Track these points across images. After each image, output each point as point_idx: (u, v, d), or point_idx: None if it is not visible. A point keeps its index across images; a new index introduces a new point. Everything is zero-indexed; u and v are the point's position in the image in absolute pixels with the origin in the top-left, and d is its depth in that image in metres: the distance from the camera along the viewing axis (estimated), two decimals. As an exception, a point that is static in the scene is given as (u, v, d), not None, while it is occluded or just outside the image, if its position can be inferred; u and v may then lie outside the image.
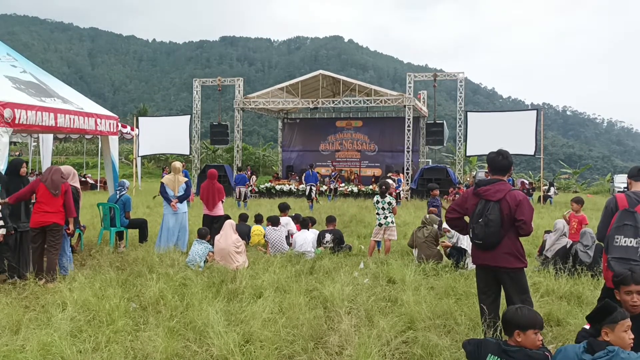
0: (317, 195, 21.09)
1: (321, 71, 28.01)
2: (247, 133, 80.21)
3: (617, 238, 4.57)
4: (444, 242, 9.17)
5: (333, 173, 26.80)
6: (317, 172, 21.52)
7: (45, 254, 7.40)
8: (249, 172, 23.51)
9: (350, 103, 26.84)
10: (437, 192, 11.87)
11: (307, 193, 20.06)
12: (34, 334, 5.02)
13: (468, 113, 23.86)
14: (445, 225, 8.82)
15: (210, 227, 10.00)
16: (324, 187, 25.11)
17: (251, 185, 23.35)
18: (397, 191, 20.42)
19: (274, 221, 9.97)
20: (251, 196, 22.84)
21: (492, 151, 5.15)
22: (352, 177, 28.53)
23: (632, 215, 4.57)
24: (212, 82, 28.75)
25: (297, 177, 27.62)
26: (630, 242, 4.51)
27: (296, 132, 32.06)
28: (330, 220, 10.46)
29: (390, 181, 14.69)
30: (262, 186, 26.20)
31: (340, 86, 28.07)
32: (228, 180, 25.31)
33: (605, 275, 4.72)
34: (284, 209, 11.12)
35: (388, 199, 9.63)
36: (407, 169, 25.59)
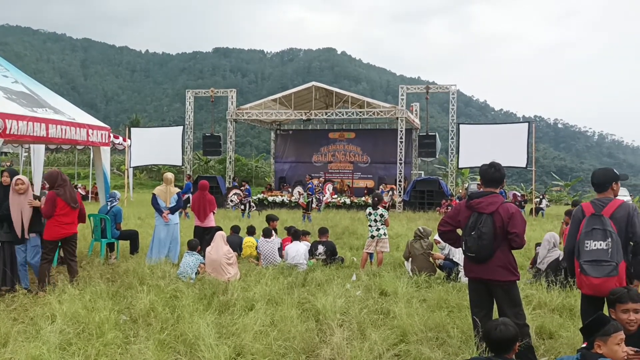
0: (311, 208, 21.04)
1: (314, 83, 28.13)
2: (239, 144, 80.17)
3: (587, 243, 4.58)
4: (435, 254, 9.17)
5: (309, 185, 26.37)
6: (315, 187, 21.39)
7: (65, 262, 7.92)
8: (244, 185, 23.48)
9: (343, 115, 26.91)
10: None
11: (311, 205, 19.74)
12: (23, 346, 4.96)
13: (460, 125, 23.98)
14: (436, 237, 8.81)
15: (202, 238, 9.96)
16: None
17: (239, 196, 23.19)
18: (388, 203, 20.39)
19: (266, 233, 9.94)
20: (252, 208, 22.35)
21: (484, 163, 5.17)
22: (345, 189, 28.53)
23: (599, 219, 4.58)
24: (204, 93, 28.79)
25: (289, 189, 27.61)
26: (600, 244, 4.52)
27: (289, 144, 32.10)
28: (323, 231, 10.45)
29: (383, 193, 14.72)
30: (254, 198, 26.16)
31: (333, 98, 28.17)
32: (220, 192, 25.28)
33: (579, 281, 4.69)
34: (270, 219, 11.13)
35: (380, 210, 9.63)
36: (400, 181, 25.65)
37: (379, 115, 26.33)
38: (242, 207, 20.67)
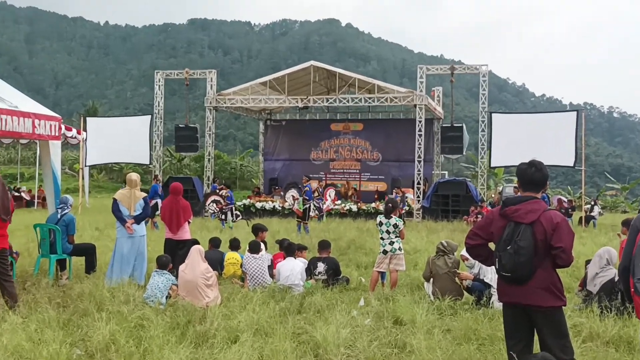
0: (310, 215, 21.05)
1: (313, 62, 28.20)
2: (221, 138, 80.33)
3: None
4: (462, 273, 9.17)
5: (306, 188, 26.07)
6: (312, 190, 21.21)
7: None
8: (223, 189, 23.47)
9: (348, 102, 26.96)
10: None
11: (309, 213, 19.60)
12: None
13: (493, 115, 23.98)
14: (464, 252, 8.81)
15: (174, 254, 9.99)
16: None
17: (220, 204, 23.16)
18: (402, 210, 20.36)
19: (253, 248, 9.96)
20: (238, 217, 22.30)
21: (522, 162, 5.18)
22: (350, 193, 28.54)
23: None
24: (178, 74, 28.84)
25: (282, 193, 27.64)
26: None
27: (281, 137, 32.15)
28: (323, 246, 10.47)
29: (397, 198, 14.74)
30: (239, 204, 26.18)
31: (336, 81, 28.17)
32: (197, 196, 25.33)
33: (636, 305, 4.72)
34: (257, 230, 11.13)
35: (394, 220, 9.65)
36: (418, 183, 25.67)
37: (393, 102, 26.36)
38: (223, 216, 20.61)
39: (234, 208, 21.31)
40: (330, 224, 21.34)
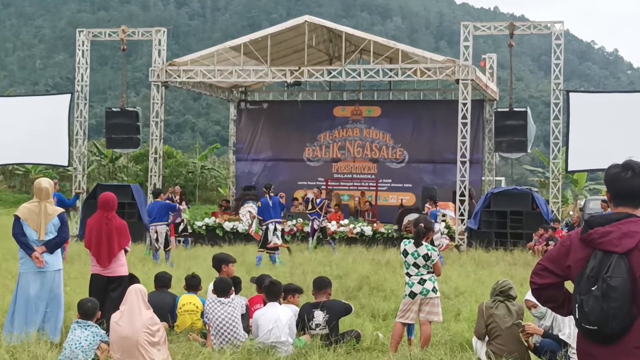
0: (284, 241, 21.23)
1: (308, 17, 28.14)
2: (173, 127, 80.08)
3: None
4: (528, 326, 9.16)
5: (318, 200, 26.25)
6: (282, 200, 21.34)
7: None
8: (177, 198, 23.46)
9: (359, 75, 26.91)
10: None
11: (264, 236, 20.09)
12: None
13: (571, 95, 23.99)
14: (529, 296, 8.81)
15: (104, 296, 10.00)
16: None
17: (181, 220, 23.33)
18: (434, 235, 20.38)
19: (221, 288, 9.98)
20: (180, 240, 22.76)
21: (614, 164, 5.16)
22: (364, 208, 28.49)
23: None
24: (110, 35, 28.78)
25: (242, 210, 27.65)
26: None
27: (262, 127, 32.24)
28: (321, 285, 10.46)
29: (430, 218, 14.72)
30: (198, 223, 26.10)
31: (341, 45, 28.07)
32: (137, 213, 25.39)
33: None
34: (220, 262, 11.16)
35: (426, 248, 9.67)
36: (462, 195, 25.68)
37: (425, 75, 26.35)
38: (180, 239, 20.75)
39: (184, 220, 21.38)
40: (330, 254, 21.30)
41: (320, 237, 23.57)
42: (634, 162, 5.10)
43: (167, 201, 21.25)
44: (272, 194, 20.69)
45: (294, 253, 21.51)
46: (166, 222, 20.34)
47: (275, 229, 19.97)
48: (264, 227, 19.96)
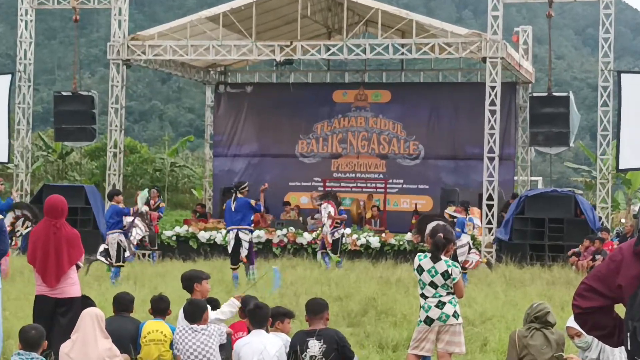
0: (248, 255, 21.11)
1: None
2: (137, 116, 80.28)
3: None
4: (570, 358, 9.02)
5: (318, 202, 26.24)
6: (251, 202, 21.28)
7: None
8: (153, 202, 23.41)
9: (364, 52, 26.97)
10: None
11: (230, 249, 20.36)
12: None
13: (623, 76, 24.00)
14: (571, 322, 8.65)
15: (51, 322, 10.05)
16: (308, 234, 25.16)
17: (147, 229, 23.11)
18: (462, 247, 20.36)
19: (192, 312, 10.03)
20: (145, 254, 22.58)
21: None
22: (371, 214, 28.43)
23: None
24: (59, 2, 28.80)
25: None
26: None
27: (246, 116, 32.38)
28: (317, 309, 10.32)
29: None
30: (168, 233, 26.06)
31: (342, 15, 28.05)
32: (93, 219, 25.57)
33: None
34: (190, 281, 11.09)
35: (446, 264, 9.70)
36: (490, 198, 25.77)
37: (445, 52, 26.42)
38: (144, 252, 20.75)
39: (143, 228, 21.35)
40: (328, 271, 21.31)
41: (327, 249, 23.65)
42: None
43: (144, 207, 21.26)
44: (241, 196, 20.74)
45: (286, 269, 21.38)
46: (119, 231, 20.39)
47: (237, 238, 20.00)
48: (232, 235, 20.18)
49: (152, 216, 22.75)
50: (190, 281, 11.22)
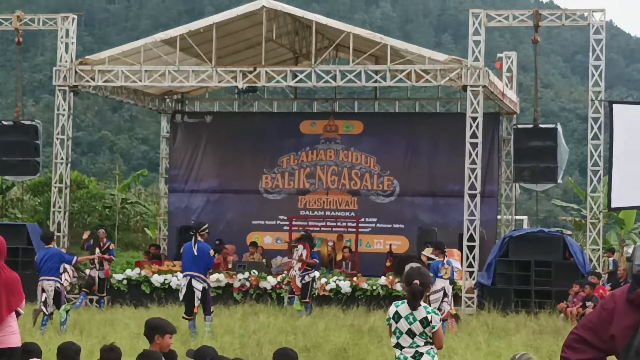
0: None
1: (266, 1, 28.09)
2: (85, 147, 79.92)
3: None
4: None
5: (294, 244, 26.49)
6: (210, 252, 21.25)
7: None
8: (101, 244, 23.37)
9: (334, 79, 27.15)
10: None
11: (181, 296, 20.32)
12: None
13: (614, 107, 24.18)
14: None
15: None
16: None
17: (75, 274, 23.04)
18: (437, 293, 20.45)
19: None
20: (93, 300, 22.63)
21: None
22: (341, 256, 28.48)
23: None
24: (0, 22, 28.88)
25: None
26: None
27: (204, 148, 32.43)
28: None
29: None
30: (118, 277, 25.99)
31: (311, 38, 28.17)
32: (32, 261, 25.11)
33: None
34: (153, 330, 11.04)
35: (426, 310, 9.72)
36: (471, 239, 25.81)
37: (422, 80, 26.53)
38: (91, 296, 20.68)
39: (67, 277, 21.37)
40: (297, 318, 21.31)
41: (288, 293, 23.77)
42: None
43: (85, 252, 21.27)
44: (200, 239, 20.41)
45: (248, 317, 21.41)
46: (55, 278, 20.27)
47: (190, 285, 19.85)
48: (186, 281, 19.91)
49: (103, 259, 22.66)
50: (153, 330, 11.10)
